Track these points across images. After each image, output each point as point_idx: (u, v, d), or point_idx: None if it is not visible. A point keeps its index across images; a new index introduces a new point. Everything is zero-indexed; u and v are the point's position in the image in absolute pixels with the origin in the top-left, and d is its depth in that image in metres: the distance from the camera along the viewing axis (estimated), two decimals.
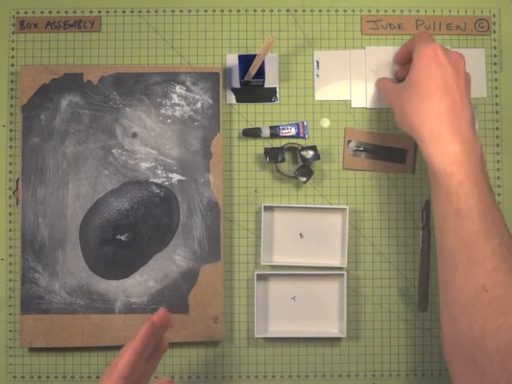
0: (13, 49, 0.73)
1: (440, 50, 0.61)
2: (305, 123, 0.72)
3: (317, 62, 0.73)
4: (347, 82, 0.73)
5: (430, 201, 0.71)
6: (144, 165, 0.70)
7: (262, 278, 0.71)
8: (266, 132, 0.72)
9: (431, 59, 0.61)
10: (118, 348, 0.61)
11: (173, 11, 0.73)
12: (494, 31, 0.74)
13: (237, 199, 0.72)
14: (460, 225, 0.57)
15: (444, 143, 0.58)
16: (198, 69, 0.71)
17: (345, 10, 0.74)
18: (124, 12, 0.73)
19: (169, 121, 0.70)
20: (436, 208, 0.60)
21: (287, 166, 0.72)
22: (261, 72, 0.69)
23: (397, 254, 0.72)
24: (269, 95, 0.73)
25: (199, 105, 0.71)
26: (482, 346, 0.53)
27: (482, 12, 0.74)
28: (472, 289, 0.55)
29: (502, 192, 0.73)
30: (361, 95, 0.73)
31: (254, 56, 0.67)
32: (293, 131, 0.72)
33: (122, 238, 0.69)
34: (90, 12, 0.73)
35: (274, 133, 0.72)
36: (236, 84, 0.72)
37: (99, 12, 0.73)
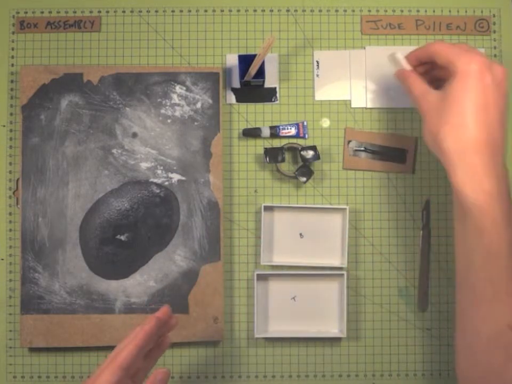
0: (13, 49, 0.73)
1: (486, 68, 0.57)
2: (305, 123, 0.72)
3: (317, 62, 0.73)
4: (347, 82, 0.73)
5: (430, 201, 0.72)
6: (144, 165, 0.70)
7: (262, 278, 0.71)
8: (266, 131, 0.72)
9: (477, 80, 0.57)
10: None
11: (173, 11, 0.73)
12: (494, 31, 0.74)
13: (237, 199, 0.72)
14: (489, 263, 0.55)
15: (479, 179, 0.56)
16: (198, 69, 0.71)
17: (345, 10, 0.74)
18: (124, 12, 0.73)
19: (169, 121, 0.70)
20: (461, 242, 0.58)
21: (287, 166, 0.72)
22: (261, 72, 0.69)
23: (397, 254, 0.72)
24: (269, 95, 0.73)
25: (199, 105, 0.71)
26: (502, 382, 0.53)
27: (482, 12, 0.74)
28: (495, 325, 0.54)
29: None
30: (361, 95, 0.73)
31: (254, 56, 0.67)
32: (293, 131, 0.72)
33: (122, 238, 0.69)
34: (90, 12, 0.73)
35: (274, 133, 0.72)
36: (236, 84, 0.72)
37: (99, 12, 0.73)
